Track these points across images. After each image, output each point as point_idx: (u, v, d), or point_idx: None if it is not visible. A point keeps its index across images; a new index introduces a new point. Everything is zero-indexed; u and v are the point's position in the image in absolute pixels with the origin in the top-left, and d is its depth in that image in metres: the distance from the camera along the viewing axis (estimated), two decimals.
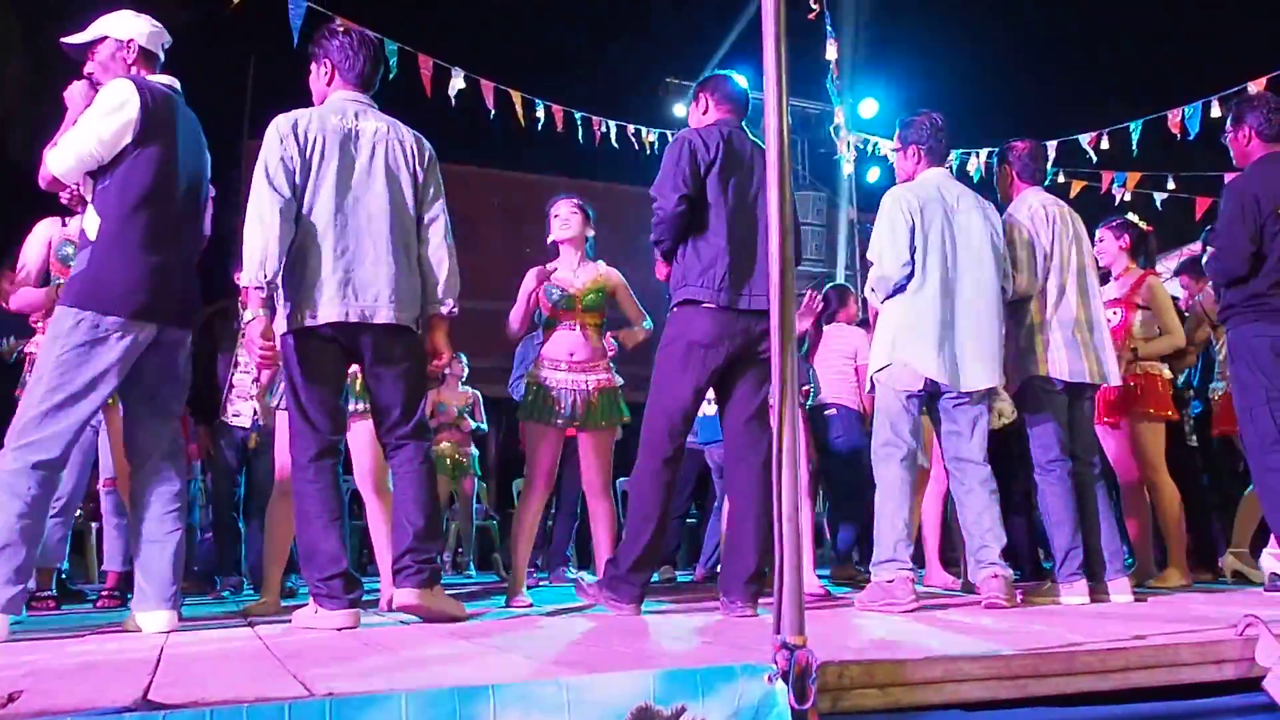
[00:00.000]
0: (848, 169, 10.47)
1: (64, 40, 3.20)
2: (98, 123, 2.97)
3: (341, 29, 3.32)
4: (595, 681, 1.70)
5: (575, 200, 4.35)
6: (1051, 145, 8.63)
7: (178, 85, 3.23)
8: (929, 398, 3.65)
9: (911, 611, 3.30)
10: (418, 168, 3.28)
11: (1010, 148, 4.06)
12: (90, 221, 3.00)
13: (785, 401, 1.87)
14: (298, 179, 3.10)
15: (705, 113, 3.70)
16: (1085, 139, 8.37)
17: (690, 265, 3.44)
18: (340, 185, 3.13)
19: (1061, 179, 9.11)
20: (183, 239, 3.13)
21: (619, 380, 4.20)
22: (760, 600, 3.33)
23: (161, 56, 3.25)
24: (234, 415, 5.34)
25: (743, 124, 3.65)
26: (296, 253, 3.11)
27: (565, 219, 4.27)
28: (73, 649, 2.60)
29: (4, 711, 1.51)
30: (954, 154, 9.47)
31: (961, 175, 9.24)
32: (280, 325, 3.14)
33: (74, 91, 3.16)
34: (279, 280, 3.10)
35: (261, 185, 3.05)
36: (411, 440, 3.23)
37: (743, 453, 3.45)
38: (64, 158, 2.97)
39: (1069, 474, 3.74)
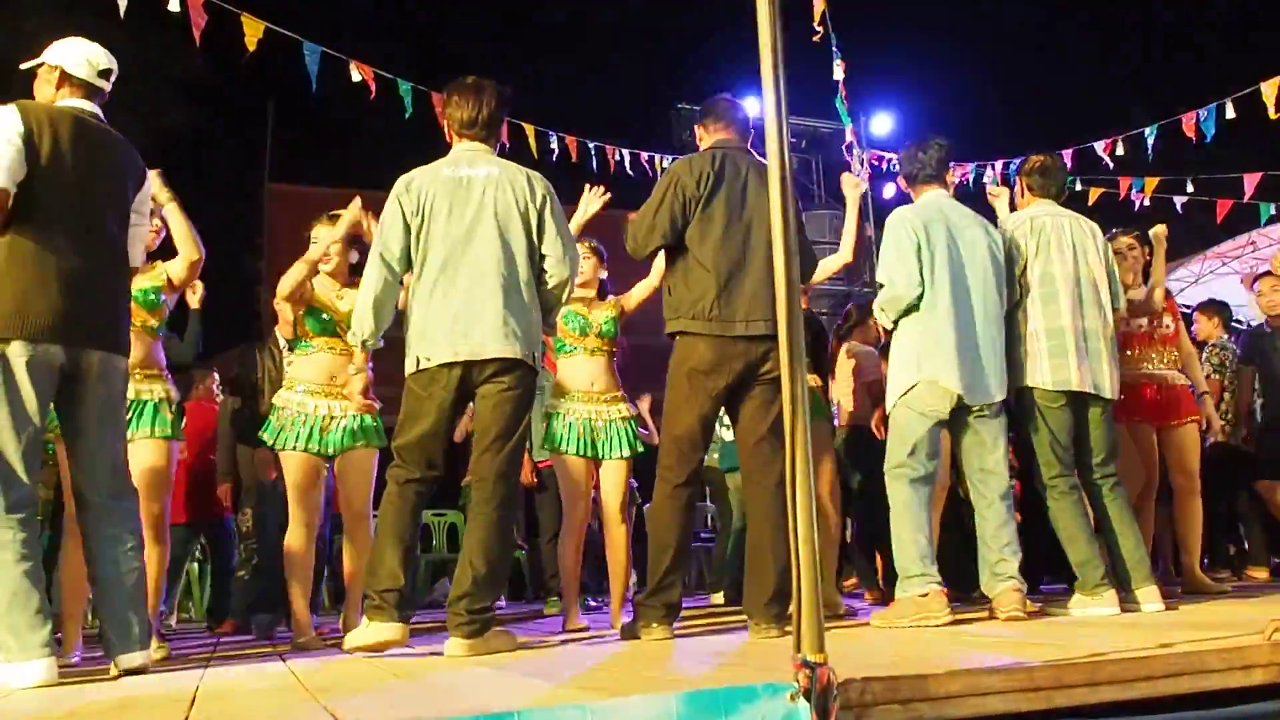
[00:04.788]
0: (863, 187, 10.48)
1: (21, 66, 3.20)
2: None
3: (458, 83, 3.40)
4: (618, 704, 1.73)
5: (587, 244, 4.40)
6: (1067, 154, 8.63)
7: (98, 112, 3.13)
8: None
9: (947, 625, 3.32)
10: (529, 205, 3.34)
11: (1025, 161, 4.10)
12: None
13: (796, 422, 1.90)
14: (413, 233, 3.25)
15: (701, 140, 3.75)
16: (1101, 146, 8.34)
17: (680, 296, 3.50)
18: (450, 231, 3.23)
19: (1079, 186, 9.09)
20: (89, 263, 2.94)
21: (634, 410, 4.26)
22: (786, 621, 3.33)
23: (96, 83, 3.13)
24: None
25: (744, 144, 3.68)
26: (413, 300, 3.25)
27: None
28: (111, 688, 2.65)
29: None
30: (970, 166, 9.48)
31: (979, 187, 9.23)
32: (407, 367, 3.25)
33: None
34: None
35: (373, 252, 3.28)
36: (493, 478, 3.21)
37: (755, 474, 3.47)
38: None
39: (1072, 488, 3.73)
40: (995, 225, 3.90)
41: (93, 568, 2.97)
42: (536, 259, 3.36)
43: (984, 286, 3.67)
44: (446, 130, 3.47)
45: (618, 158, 8.48)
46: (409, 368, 3.24)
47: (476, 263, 3.22)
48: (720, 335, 3.40)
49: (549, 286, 3.40)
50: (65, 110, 3.03)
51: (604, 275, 4.43)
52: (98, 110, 3.14)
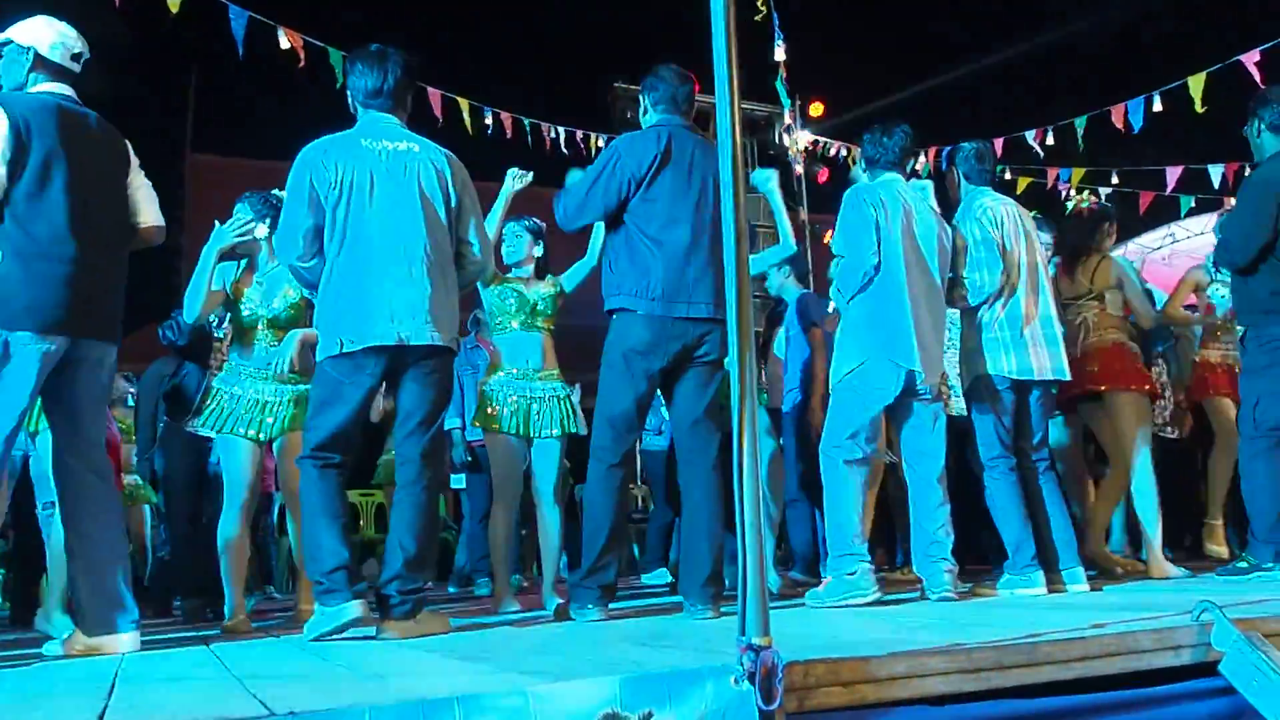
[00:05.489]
0: (798, 170, 10.54)
1: None
2: None
3: (361, 50, 3.25)
4: (561, 689, 1.69)
5: (521, 224, 4.31)
6: (998, 142, 8.77)
7: (73, 95, 3.09)
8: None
9: (876, 603, 3.37)
10: (450, 188, 3.23)
11: (957, 149, 4.13)
12: None
13: (745, 404, 1.88)
14: (329, 207, 3.09)
15: (645, 114, 3.67)
16: (1031, 135, 8.50)
17: (624, 273, 3.43)
18: (374, 209, 3.09)
19: (1009, 175, 9.26)
20: (91, 251, 2.98)
21: (569, 390, 4.20)
22: (721, 602, 3.34)
23: (70, 67, 3.09)
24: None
25: (689, 120, 3.61)
26: (334, 279, 3.10)
27: (510, 244, 4.25)
28: (24, 675, 2.53)
29: None
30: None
31: (910, 174, 9.33)
32: (323, 349, 3.12)
33: None
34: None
35: (285, 240, 3.16)
36: (420, 460, 3.14)
37: (691, 455, 3.46)
38: None
39: (1011, 469, 3.81)
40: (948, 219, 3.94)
41: (80, 543, 2.97)
42: (454, 242, 3.28)
43: (933, 272, 3.72)
44: (350, 100, 3.31)
45: (553, 135, 8.38)
46: (327, 349, 3.09)
47: (405, 244, 3.11)
48: (661, 316, 3.37)
49: (468, 273, 3.34)
50: (46, 100, 3.00)
51: (539, 253, 4.36)
52: (73, 94, 3.09)
